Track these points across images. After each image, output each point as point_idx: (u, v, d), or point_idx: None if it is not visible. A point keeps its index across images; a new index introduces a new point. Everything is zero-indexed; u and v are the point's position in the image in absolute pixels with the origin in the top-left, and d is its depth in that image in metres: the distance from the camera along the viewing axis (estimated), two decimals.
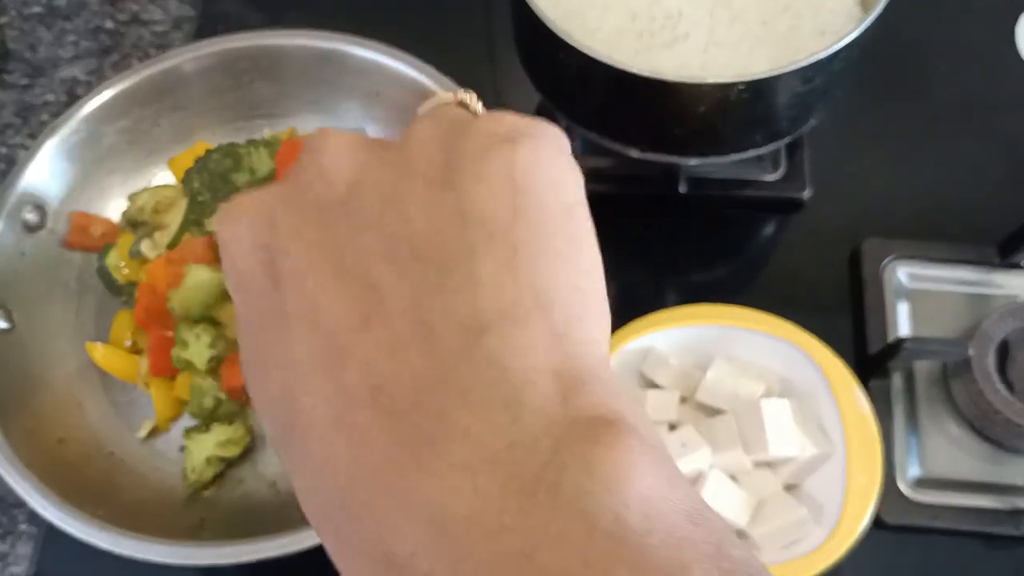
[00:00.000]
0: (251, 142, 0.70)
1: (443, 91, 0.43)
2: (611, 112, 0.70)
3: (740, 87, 0.62)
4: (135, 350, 0.70)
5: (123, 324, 0.70)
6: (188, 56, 0.73)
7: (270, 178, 0.68)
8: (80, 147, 0.72)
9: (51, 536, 0.72)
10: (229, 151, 0.69)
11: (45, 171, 0.70)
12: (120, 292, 0.71)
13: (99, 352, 0.68)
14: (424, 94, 0.70)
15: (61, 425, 0.64)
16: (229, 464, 0.65)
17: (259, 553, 0.55)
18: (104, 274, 0.71)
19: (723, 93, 0.63)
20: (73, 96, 0.93)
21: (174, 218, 0.67)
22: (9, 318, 0.67)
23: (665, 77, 0.62)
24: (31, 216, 0.70)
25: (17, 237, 0.68)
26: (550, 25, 0.65)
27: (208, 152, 0.70)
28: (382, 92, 0.73)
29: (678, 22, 0.74)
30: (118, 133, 0.73)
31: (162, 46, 0.96)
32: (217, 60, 0.74)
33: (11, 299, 0.67)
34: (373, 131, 0.75)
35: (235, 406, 0.64)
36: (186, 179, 0.69)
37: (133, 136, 0.75)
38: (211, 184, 0.67)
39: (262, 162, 0.68)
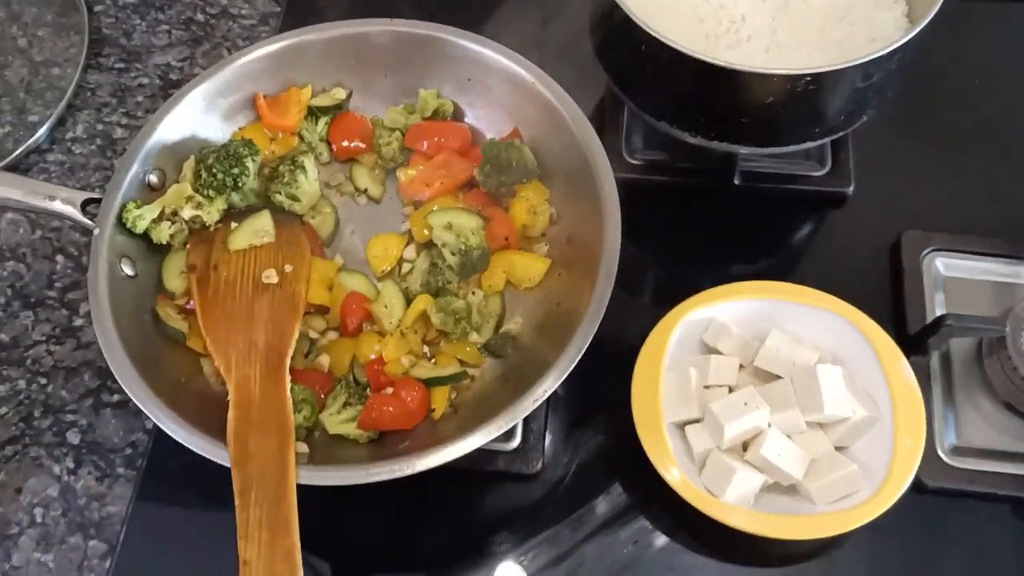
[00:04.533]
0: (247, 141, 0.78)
1: None
2: (685, 102, 0.77)
3: (807, 79, 0.69)
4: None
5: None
6: (300, 38, 0.80)
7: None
8: (198, 116, 0.79)
9: (148, 479, 0.77)
10: (243, 142, 0.77)
11: (166, 137, 0.77)
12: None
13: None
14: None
15: (182, 368, 0.70)
16: None
17: (356, 479, 0.63)
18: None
19: (791, 84, 0.70)
20: (166, 80, 1.00)
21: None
22: (133, 267, 0.73)
23: (741, 67, 0.69)
24: (153, 177, 0.76)
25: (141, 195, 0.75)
26: (638, 21, 0.72)
27: (225, 145, 0.77)
28: (473, 78, 0.80)
29: (741, 26, 0.81)
30: (230, 105, 0.80)
31: (250, 39, 1.03)
32: (323, 45, 0.81)
33: (133, 249, 0.74)
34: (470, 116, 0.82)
35: None
36: (201, 157, 0.76)
37: (241, 108, 0.81)
38: (225, 161, 0.75)
39: (257, 155, 0.77)
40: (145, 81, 1.00)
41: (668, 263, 0.89)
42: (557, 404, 0.79)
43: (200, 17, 1.04)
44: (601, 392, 0.78)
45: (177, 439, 0.64)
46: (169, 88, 0.99)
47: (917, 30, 0.71)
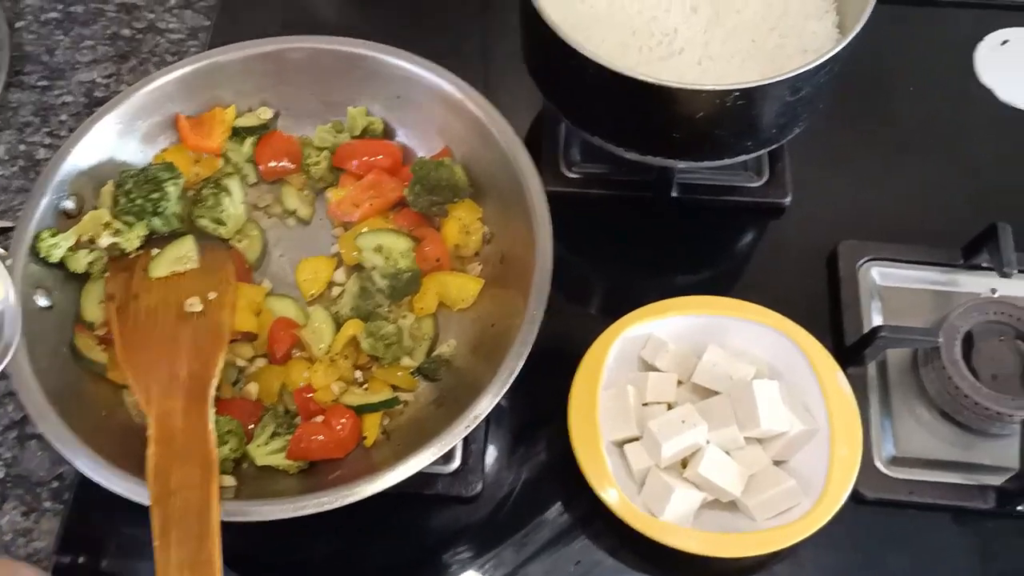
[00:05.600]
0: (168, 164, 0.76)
1: None
2: (617, 117, 0.76)
3: (736, 94, 0.69)
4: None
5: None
6: (219, 57, 0.78)
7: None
8: (115, 139, 0.76)
9: (76, 514, 0.74)
10: (164, 166, 0.76)
11: (82, 163, 0.74)
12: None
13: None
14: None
15: (103, 401, 0.68)
16: None
17: (282, 513, 0.61)
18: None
19: (720, 99, 0.70)
20: (91, 98, 0.97)
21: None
22: (49, 297, 0.70)
23: (669, 84, 0.69)
24: (69, 204, 0.73)
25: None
26: (563, 37, 0.71)
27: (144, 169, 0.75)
28: (403, 96, 0.78)
29: (674, 38, 0.81)
30: (150, 127, 0.78)
31: (178, 54, 1.00)
32: (244, 63, 0.79)
33: (49, 279, 0.71)
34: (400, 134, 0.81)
35: None
36: (119, 182, 0.74)
37: (162, 130, 0.79)
38: (144, 185, 0.73)
39: (179, 179, 0.75)
40: (69, 99, 0.97)
41: (608, 276, 0.88)
42: (500, 422, 0.78)
43: (126, 32, 1.01)
44: (542, 409, 0.77)
45: (95, 479, 0.61)
46: (95, 106, 0.95)
47: (844, 43, 0.70)
